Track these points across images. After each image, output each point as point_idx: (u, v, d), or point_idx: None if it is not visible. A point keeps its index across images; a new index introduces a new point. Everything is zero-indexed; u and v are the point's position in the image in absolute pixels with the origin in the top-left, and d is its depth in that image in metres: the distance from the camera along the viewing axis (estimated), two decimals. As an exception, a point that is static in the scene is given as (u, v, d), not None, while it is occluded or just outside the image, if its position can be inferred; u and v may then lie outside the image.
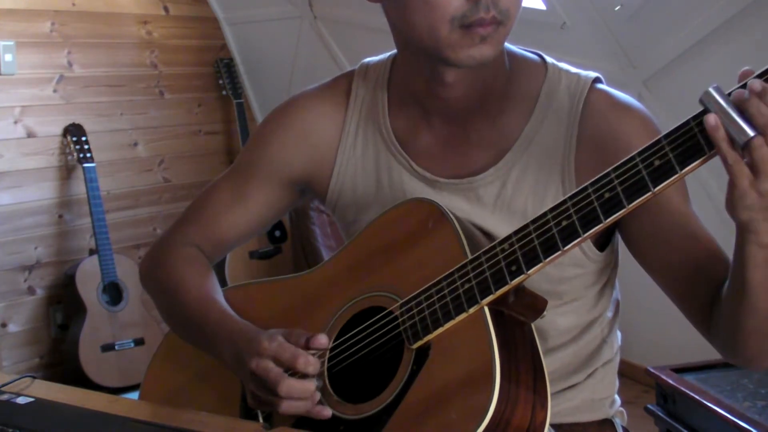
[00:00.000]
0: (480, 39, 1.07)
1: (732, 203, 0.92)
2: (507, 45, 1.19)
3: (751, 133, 0.87)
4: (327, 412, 1.08)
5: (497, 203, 1.16)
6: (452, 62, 1.10)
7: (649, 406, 2.18)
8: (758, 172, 0.88)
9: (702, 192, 2.76)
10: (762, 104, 0.87)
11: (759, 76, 0.89)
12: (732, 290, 1.02)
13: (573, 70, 1.21)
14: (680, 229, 1.11)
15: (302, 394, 1.07)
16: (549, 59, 1.22)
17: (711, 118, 0.89)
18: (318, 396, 1.08)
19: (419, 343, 1.05)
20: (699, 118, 0.91)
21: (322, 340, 1.09)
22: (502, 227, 1.12)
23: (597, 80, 1.19)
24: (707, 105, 0.89)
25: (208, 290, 1.26)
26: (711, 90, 0.89)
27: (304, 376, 1.07)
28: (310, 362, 1.07)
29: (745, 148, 0.88)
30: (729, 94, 0.90)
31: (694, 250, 1.10)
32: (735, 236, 0.98)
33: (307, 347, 1.09)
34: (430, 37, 1.09)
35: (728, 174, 0.90)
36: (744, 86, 0.89)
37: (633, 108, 1.17)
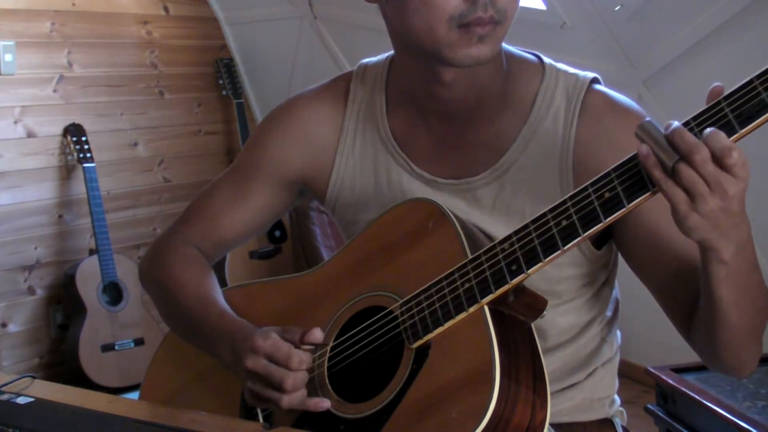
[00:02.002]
0: (478, 38, 1.07)
1: (679, 225, 0.94)
2: (505, 46, 1.20)
3: (675, 157, 0.90)
4: (325, 403, 1.09)
5: (495, 204, 1.16)
6: (450, 62, 1.10)
7: (649, 406, 2.17)
8: (692, 194, 0.91)
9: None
10: (686, 133, 0.90)
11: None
12: (704, 305, 1.04)
13: (571, 70, 1.21)
14: (668, 237, 1.11)
15: (304, 384, 1.09)
16: (547, 60, 1.22)
17: (643, 148, 0.92)
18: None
19: (419, 342, 1.05)
20: (699, 118, 0.91)
21: (317, 334, 1.11)
22: (500, 228, 1.12)
23: (595, 81, 1.19)
24: (642, 137, 0.94)
25: (206, 290, 1.26)
26: (644, 123, 0.94)
27: None
28: (304, 361, 1.08)
29: (674, 173, 0.91)
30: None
31: (679, 258, 1.11)
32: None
33: (302, 343, 1.10)
34: (428, 37, 1.09)
35: (667, 199, 0.93)
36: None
37: (630, 109, 1.17)
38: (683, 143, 0.90)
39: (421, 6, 1.07)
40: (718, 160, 0.89)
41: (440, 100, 1.18)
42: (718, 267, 0.97)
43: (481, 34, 1.07)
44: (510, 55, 1.21)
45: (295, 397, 1.08)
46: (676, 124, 0.91)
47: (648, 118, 0.95)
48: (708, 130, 0.90)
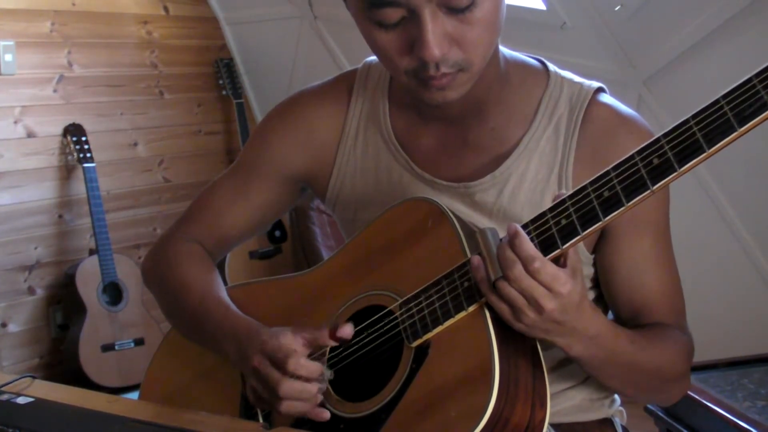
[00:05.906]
0: (437, 89, 1.07)
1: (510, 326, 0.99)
2: (507, 51, 1.19)
3: (496, 275, 0.96)
4: (326, 414, 1.08)
5: (494, 210, 1.16)
6: (419, 100, 1.11)
7: (648, 405, 2.17)
8: (512, 308, 0.96)
9: (700, 190, 2.76)
10: (508, 248, 0.95)
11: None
12: None
13: (576, 79, 1.20)
14: (631, 272, 1.15)
15: (302, 395, 1.07)
16: (551, 66, 1.21)
17: (475, 259, 0.99)
18: (320, 398, 1.08)
19: (418, 341, 1.05)
20: (698, 116, 0.91)
21: (348, 329, 1.10)
22: (499, 231, 1.12)
23: (600, 90, 1.19)
24: (480, 244, 0.98)
25: (210, 287, 1.26)
26: (486, 230, 0.99)
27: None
28: (301, 365, 1.07)
29: (495, 287, 0.96)
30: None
31: (633, 294, 1.16)
32: None
33: (332, 338, 1.09)
34: (395, 78, 1.13)
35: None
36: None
37: (632, 122, 1.16)
38: (503, 259, 0.95)
39: (380, 57, 1.09)
40: (526, 267, 0.94)
41: (436, 106, 1.17)
42: (573, 358, 1.03)
43: (439, 86, 1.07)
44: (513, 61, 1.20)
45: (294, 405, 1.07)
46: (503, 238, 0.96)
47: (492, 227, 0.99)
48: (513, 234, 0.95)
